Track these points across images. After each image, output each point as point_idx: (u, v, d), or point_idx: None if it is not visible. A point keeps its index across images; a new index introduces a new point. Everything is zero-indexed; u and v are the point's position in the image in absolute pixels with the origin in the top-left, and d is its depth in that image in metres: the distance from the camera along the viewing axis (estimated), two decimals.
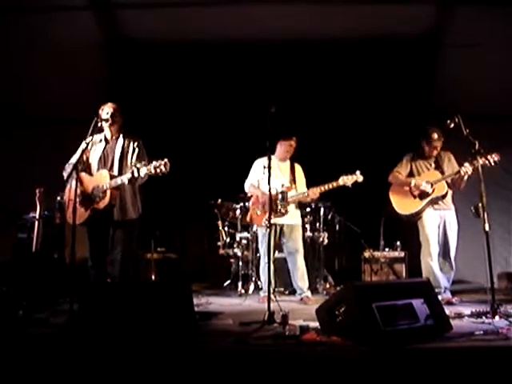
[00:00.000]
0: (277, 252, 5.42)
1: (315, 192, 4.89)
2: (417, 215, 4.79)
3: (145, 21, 5.98)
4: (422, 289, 3.29)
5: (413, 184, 4.79)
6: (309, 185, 5.13)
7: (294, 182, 5.07)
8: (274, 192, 4.85)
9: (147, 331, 2.98)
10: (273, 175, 4.73)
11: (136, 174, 3.90)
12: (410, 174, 4.90)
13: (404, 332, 2.98)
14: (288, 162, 5.17)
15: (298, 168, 5.19)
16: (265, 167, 4.61)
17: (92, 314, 3.11)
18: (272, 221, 4.72)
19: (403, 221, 4.97)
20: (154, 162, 3.85)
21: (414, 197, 4.79)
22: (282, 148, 5.07)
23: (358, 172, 4.77)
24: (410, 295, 3.17)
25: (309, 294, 5.01)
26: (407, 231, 5.53)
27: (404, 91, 6.53)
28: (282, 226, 5.04)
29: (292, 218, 5.05)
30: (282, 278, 5.48)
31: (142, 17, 5.93)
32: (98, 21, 5.98)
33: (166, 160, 3.84)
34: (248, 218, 5.30)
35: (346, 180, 4.75)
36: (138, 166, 3.91)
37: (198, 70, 6.44)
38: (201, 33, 6.08)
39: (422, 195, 4.75)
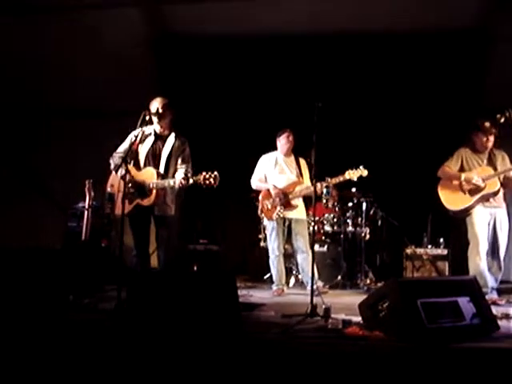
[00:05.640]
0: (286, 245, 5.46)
1: (322, 186, 5.00)
2: (466, 211, 4.64)
3: (193, 16, 6.05)
4: (468, 287, 3.23)
5: (463, 178, 4.62)
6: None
7: (301, 176, 5.18)
8: (281, 186, 5.10)
9: (192, 320, 3.04)
10: (278, 170, 5.18)
11: (184, 182, 3.94)
12: (461, 170, 4.73)
13: (449, 330, 2.94)
14: (293, 157, 5.28)
15: (302, 162, 5.28)
16: (277, 162, 5.02)
17: (138, 301, 3.20)
18: (281, 214, 5.03)
19: (450, 217, 4.83)
20: (204, 173, 3.86)
21: (464, 192, 4.64)
22: (282, 143, 5.21)
23: (361, 166, 4.83)
24: (455, 293, 3.12)
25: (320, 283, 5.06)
26: (453, 228, 5.40)
27: (455, 85, 6.35)
28: (290, 221, 5.12)
29: (300, 212, 5.15)
30: (323, 273, 5.44)
31: (189, 12, 6.01)
32: (147, 16, 6.11)
33: (216, 173, 3.85)
34: (258, 212, 5.34)
35: (352, 174, 4.81)
36: (188, 172, 3.96)
37: (243, 65, 6.49)
38: (247, 28, 6.13)
39: (473, 191, 4.61)
